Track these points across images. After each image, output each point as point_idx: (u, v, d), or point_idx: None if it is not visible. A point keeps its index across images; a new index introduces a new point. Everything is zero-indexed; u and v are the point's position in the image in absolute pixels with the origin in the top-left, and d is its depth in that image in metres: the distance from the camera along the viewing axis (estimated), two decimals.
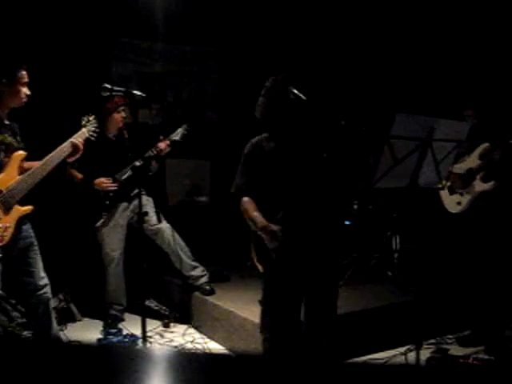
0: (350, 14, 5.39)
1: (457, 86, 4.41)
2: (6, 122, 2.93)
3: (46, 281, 3.07)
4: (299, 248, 2.55)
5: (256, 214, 2.58)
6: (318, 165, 2.50)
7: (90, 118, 3.19)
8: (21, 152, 2.90)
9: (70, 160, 3.06)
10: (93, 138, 3.18)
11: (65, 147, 2.96)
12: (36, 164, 2.91)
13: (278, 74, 2.61)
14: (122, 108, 3.98)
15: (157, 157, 3.98)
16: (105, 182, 3.92)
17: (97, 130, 3.20)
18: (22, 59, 2.98)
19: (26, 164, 2.94)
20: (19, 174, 2.85)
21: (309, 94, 2.49)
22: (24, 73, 2.91)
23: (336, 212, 2.66)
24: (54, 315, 3.16)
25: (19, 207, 2.86)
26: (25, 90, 2.91)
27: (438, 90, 4.71)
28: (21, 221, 2.91)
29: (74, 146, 2.97)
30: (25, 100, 2.95)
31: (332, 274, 2.68)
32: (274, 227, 2.51)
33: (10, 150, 2.88)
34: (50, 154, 2.93)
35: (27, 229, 3.00)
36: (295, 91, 2.48)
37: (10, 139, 2.90)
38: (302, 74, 2.59)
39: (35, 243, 3.04)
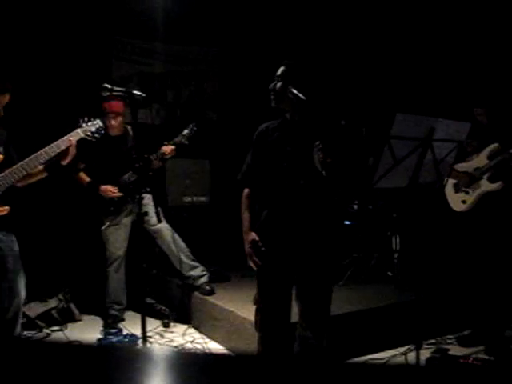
0: (351, 14, 5.39)
1: (459, 86, 4.41)
2: None
3: (22, 295, 3.00)
4: (287, 247, 2.55)
5: (245, 216, 2.63)
6: (313, 165, 2.49)
7: (92, 119, 3.15)
8: None
9: (64, 162, 3.00)
10: (93, 140, 3.13)
11: (48, 150, 2.93)
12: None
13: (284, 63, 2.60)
14: (112, 116, 3.94)
15: (161, 158, 3.97)
16: (110, 190, 3.92)
17: (100, 131, 3.15)
18: (8, 78, 2.92)
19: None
20: None
21: (309, 94, 2.49)
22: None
23: (333, 212, 2.65)
24: (20, 320, 3.09)
25: None
26: None
27: (440, 89, 4.71)
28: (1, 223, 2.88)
29: (63, 149, 2.94)
30: None
31: (325, 275, 2.65)
32: (253, 236, 2.55)
33: None
34: (30, 157, 2.90)
35: (5, 233, 2.96)
36: (294, 91, 2.48)
37: None
38: (303, 72, 2.57)
39: (15, 248, 2.98)
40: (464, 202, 3.59)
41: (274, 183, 2.57)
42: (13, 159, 3.00)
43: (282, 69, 2.58)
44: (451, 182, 3.62)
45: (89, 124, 3.14)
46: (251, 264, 2.60)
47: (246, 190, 2.67)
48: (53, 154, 2.94)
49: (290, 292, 2.62)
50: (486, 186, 3.47)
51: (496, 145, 3.45)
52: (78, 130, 3.09)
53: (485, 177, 3.48)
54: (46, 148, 2.93)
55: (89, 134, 3.12)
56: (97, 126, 3.16)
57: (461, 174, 3.57)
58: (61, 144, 2.96)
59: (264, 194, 2.63)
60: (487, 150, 3.49)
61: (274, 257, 2.56)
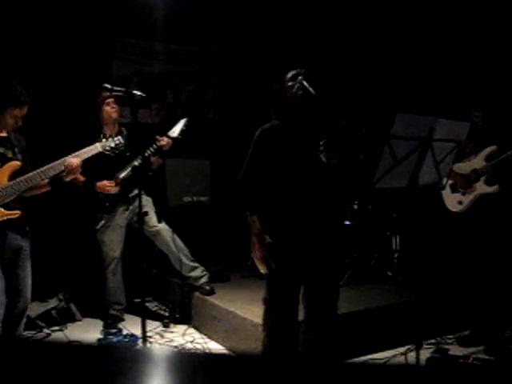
0: (351, 14, 5.39)
1: (460, 86, 4.40)
2: (3, 135, 2.98)
3: (28, 295, 3.04)
4: (301, 246, 2.55)
5: (254, 219, 2.58)
6: (323, 165, 2.50)
7: (112, 135, 3.25)
8: (13, 162, 2.94)
9: (66, 179, 3.04)
10: (111, 154, 3.23)
11: (56, 165, 2.96)
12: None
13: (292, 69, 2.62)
14: (111, 100, 3.98)
15: (160, 152, 3.96)
16: (107, 186, 3.92)
17: (119, 147, 3.23)
18: (25, 95, 2.94)
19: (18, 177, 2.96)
20: (8, 182, 2.88)
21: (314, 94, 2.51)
22: (18, 109, 2.91)
23: (338, 212, 2.67)
24: (24, 321, 3.12)
25: (3, 210, 2.87)
26: (12, 123, 2.93)
27: (439, 90, 4.71)
28: (13, 224, 2.92)
29: (67, 166, 2.97)
30: (11, 129, 2.97)
31: (334, 274, 2.68)
32: (268, 239, 2.53)
33: (2, 160, 2.91)
34: (41, 168, 2.94)
35: (22, 232, 3.00)
36: (305, 83, 2.48)
37: (2, 150, 2.93)
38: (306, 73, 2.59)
39: (26, 247, 3.03)
40: (460, 202, 3.59)
41: (288, 180, 2.55)
42: (25, 169, 3.04)
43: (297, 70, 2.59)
44: (448, 182, 3.61)
45: (109, 140, 3.21)
46: (263, 267, 2.54)
47: (250, 193, 2.64)
48: (58, 171, 2.97)
49: (299, 292, 2.62)
50: (482, 188, 3.47)
51: (494, 147, 3.45)
52: (97, 145, 3.15)
53: (482, 179, 3.47)
54: (54, 163, 2.97)
55: (107, 148, 3.20)
56: (117, 141, 3.23)
57: (458, 175, 3.57)
58: (66, 162, 2.99)
59: (277, 193, 2.59)
60: (485, 151, 3.49)
61: (290, 258, 2.54)
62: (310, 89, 2.48)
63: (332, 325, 2.67)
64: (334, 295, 2.66)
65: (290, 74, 2.59)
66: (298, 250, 2.56)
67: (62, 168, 2.97)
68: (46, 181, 3.03)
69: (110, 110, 3.98)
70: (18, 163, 2.96)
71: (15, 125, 2.96)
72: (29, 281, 3.04)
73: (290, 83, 2.56)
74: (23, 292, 3.01)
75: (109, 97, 3.95)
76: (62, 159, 2.99)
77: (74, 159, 3.01)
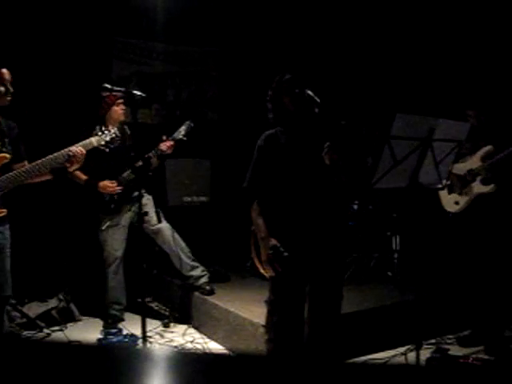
0: (351, 14, 5.40)
1: (459, 86, 4.41)
2: None
3: (9, 291, 2.97)
4: (306, 248, 2.55)
5: (260, 222, 2.58)
6: (325, 166, 2.50)
7: (109, 128, 3.16)
8: (2, 155, 2.85)
9: (71, 169, 2.99)
10: (106, 150, 3.14)
11: (59, 156, 2.90)
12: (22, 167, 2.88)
13: (286, 72, 2.62)
14: (121, 101, 3.97)
15: (159, 156, 3.97)
16: (109, 186, 3.91)
17: (115, 141, 3.16)
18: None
19: (15, 167, 2.90)
20: None
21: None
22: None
23: (341, 213, 2.66)
24: (6, 317, 3.08)
25: None
26: (1, 89, 2.81)
27: (439, 90, 4.71)
28: None
29: (72, 156, 2.91)
30: (6, 99, 2.87)
31: (337, 275, 2.68)
32: (274, 242, 2.52)
33: None
34: (40, 160, 2.87)
35: (2, 230, 2.92)
36: (310, 93, 2.49)
37: None
38: (304, 74, 2.59)
39: (8, 246, 2.95)
40: (457, 203, 3.59)
41: (292, 184, 2.55)
42: (21, 158, 2.98)
43: (291, 75, 2.59)
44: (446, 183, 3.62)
45: (105, 133, 3.11)
46: (269, 270, 2.52)
47: (256, 199, 2.63)
48: (61, 161, 2.90)
49: (305, 293, 2.62)
50: (478, 188, 3.48)
51: (490, 147, 3.46)
52: (92, 139, 3.04)
53: (478, 179, 3.48)
54: (57, 153, 2.89)
55: (102, 143, 3.09)
56: (113, 135, 3.12)
57: (454, 176, 3.57)
58: (71, 151, 2.92)
59: (281, 197, 2.59)
60: (481, 151, 3.50)
61: (295, 260, 2.53)
62: (316, 98, 2.49)
63: (335, 325, 2.67)
64: (338, 295, 2.66)
65: (283, 86, 2.58)
66: (303, 252, 2.55)
67: (65, 158, 2.89)
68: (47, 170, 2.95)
69: (120, 111, 3.98)
70: (7, 156, 2.86)
71: (9, 90, 2.83)
72: (8, 275, 2.94)
73: (287, 98, 2.56)
74: (4, 285, 2.93)
75: (120, 97, 3.95)
76: (65, 149, 2.91)
77: (78, 149, 2.93)
